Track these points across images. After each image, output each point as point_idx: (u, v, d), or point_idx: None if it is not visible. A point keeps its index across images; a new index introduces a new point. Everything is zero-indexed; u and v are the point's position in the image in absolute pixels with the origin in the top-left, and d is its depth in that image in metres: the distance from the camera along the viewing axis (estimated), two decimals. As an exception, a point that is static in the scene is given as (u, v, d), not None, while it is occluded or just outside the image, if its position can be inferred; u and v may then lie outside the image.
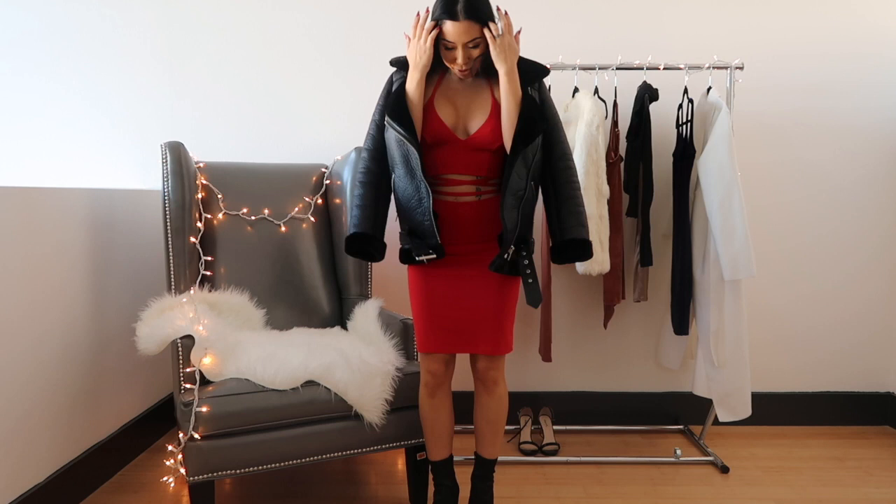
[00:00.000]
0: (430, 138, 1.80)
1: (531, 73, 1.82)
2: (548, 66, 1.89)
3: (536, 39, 2.75)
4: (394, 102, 1.79)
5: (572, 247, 1.83)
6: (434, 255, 1.80)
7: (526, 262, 1.82)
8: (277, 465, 1.89)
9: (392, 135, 1.79)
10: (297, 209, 2.51)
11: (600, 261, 2.36)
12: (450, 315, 1.87)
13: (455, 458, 2.49)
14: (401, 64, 1.86)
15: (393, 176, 1.87)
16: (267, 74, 2.83)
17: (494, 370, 1.92)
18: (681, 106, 2.51)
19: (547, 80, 2.46)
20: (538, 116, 1.77)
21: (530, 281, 1.81)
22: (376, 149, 1.86)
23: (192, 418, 1.79)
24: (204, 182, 2.40)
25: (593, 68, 2.47)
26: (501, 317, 1.88)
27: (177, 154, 2.25)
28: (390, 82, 1.87)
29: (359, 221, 1.85)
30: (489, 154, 1.81)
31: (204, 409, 1.79)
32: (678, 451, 2.52)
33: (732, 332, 2.42)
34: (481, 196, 1.83)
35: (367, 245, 1.86)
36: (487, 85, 1.84)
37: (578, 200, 1.85)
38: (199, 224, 2.32)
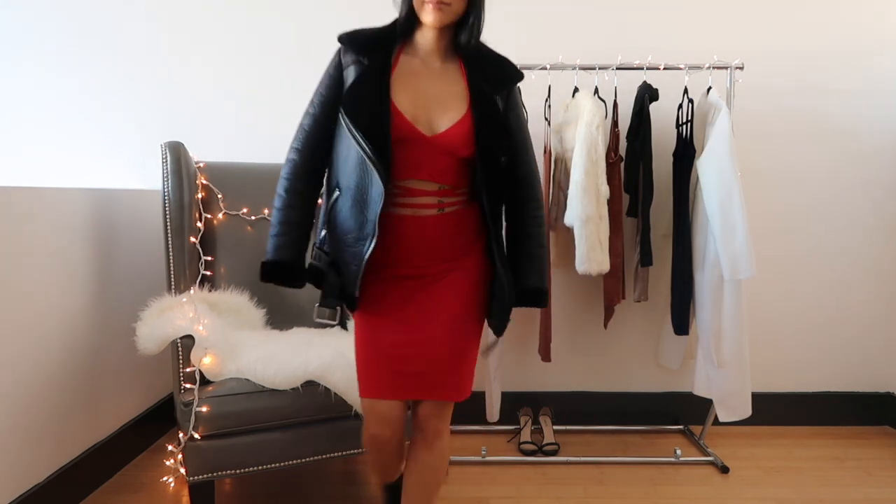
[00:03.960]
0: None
1: (501, 79, 1.50)
2: (522, 71, 1.55)
3: (536, 39, 2.75)
4: (355, 98, 1.41)
5: (527, 295, 1.55)
6: (335, 316, 1.47)
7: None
8: (277, 465, 1.89)
9: (354, 150, 1.40)
10: (297, 209, 2.51)
11: (600, 261, 2.36)
12: (403, 352, 1.48)
13: (457, 458, 2.49)
14: (356, 44, 1.49)
15: (335, 194, 1.47)
16: (267, 74, 2.83)
17: (439, 418, 1.53)
18: (681, 106, 2.51)
19: (547, 80, 2.49)
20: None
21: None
22: (305, 161, 1.50)
23: (192, 418, 1.79)
24: (204, 182, 2.40)
25: (593, 68, 2.46)
26: (466, 352, 1.53)
27: (177, 154, 2.25)
28: (338, 65, 1.50)
29: (278, 245, 1.49)
30: (457, 160, 1.44)
31: (204, 409, 1.79)
32: (678, 452, 2.52)
33: (732, 332, 2.41)
34: (444, 209, 1.46)
35: (287, 273, 1.51)
36: (460, 70, 1.48)
37: (540, 240, 1.56)
38: (199, 224, 2.32)
